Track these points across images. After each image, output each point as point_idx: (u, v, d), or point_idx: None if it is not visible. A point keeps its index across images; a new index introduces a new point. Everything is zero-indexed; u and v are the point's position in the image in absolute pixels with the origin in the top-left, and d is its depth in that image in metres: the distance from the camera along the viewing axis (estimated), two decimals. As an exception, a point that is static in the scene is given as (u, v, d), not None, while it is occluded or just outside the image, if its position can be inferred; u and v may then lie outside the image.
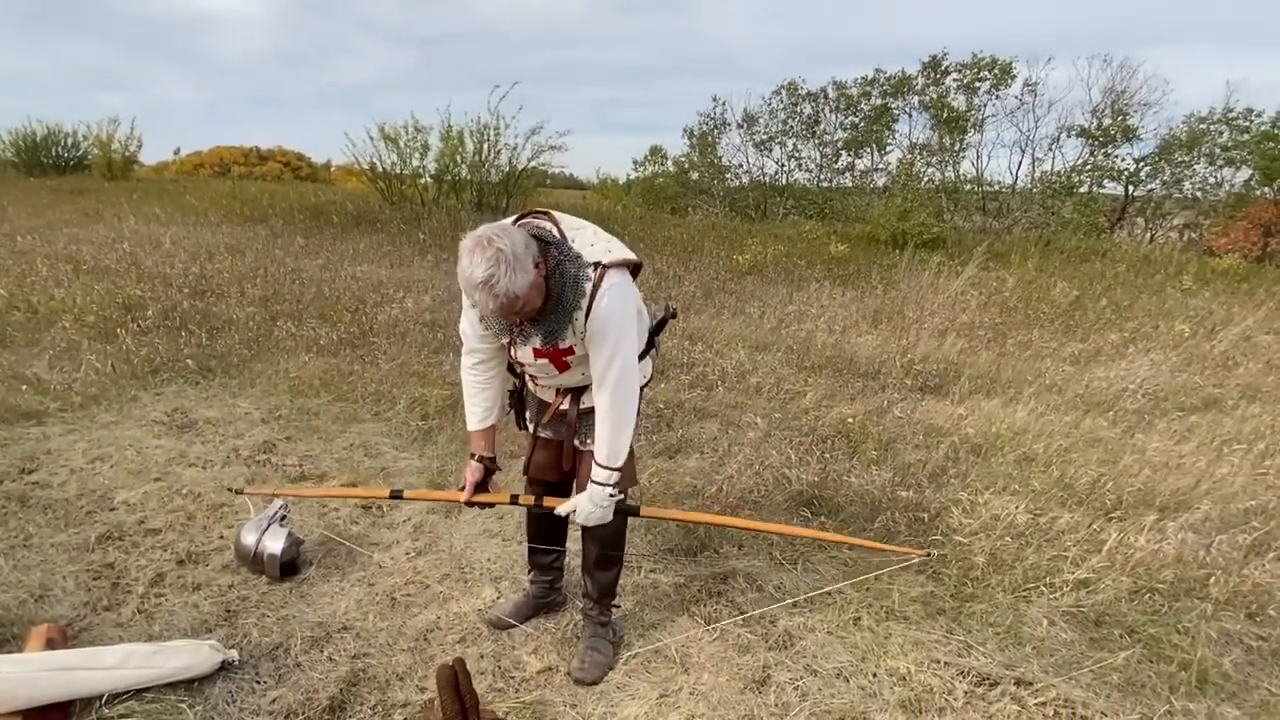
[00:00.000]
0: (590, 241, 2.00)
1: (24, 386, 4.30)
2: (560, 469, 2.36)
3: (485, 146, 12.04)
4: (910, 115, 15.01)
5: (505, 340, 2.15)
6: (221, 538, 2.99)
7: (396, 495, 2.46)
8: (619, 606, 2.57)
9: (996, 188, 14.33)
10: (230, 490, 3.04)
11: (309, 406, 4.36)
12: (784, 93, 15.63)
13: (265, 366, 4.92)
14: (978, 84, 14.05)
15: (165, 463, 3.59)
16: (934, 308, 7.04)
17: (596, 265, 1.95)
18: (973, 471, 3.80)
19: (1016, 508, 3.29)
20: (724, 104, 16.38)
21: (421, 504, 3.32)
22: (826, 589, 2.75)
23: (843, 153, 15.52)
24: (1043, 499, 3.46)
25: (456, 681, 1.57)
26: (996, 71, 13.87)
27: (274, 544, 2.73)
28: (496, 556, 2.95)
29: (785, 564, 2.98)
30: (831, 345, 5.98)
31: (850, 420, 4.41)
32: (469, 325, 2.19)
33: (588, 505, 2.15)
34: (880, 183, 15.11)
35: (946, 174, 14.70)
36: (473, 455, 2.30)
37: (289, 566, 2.77)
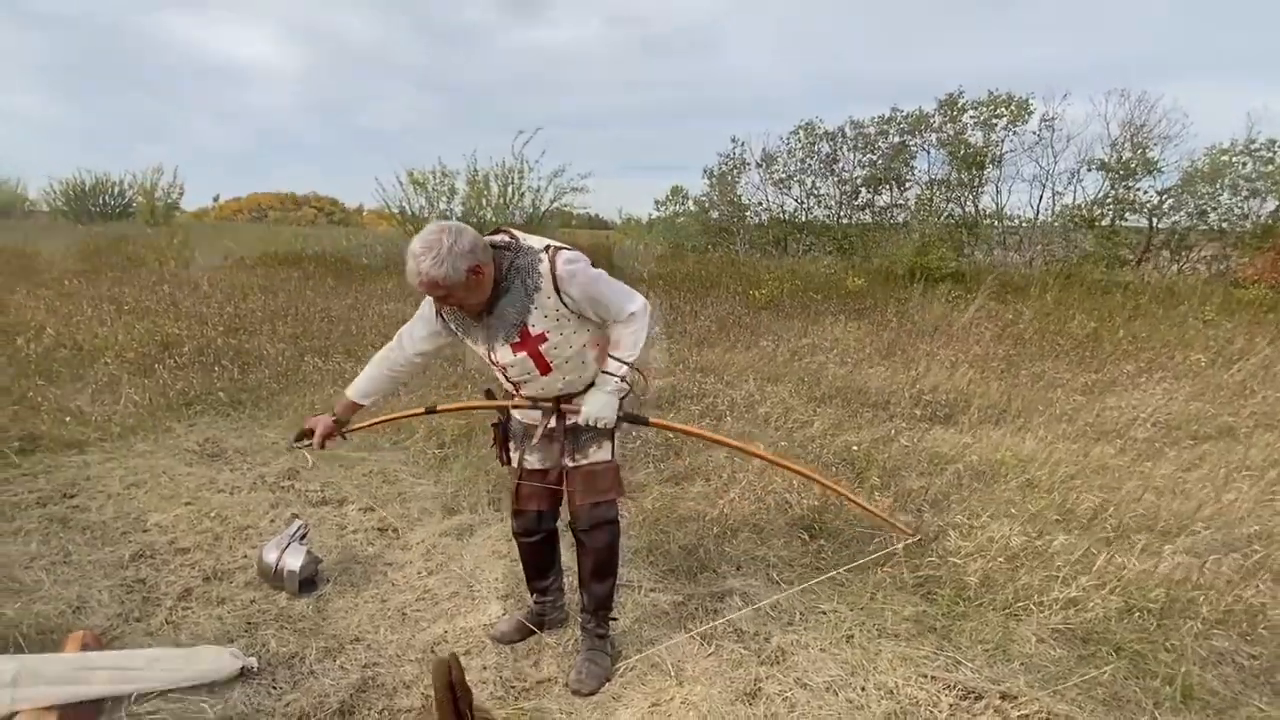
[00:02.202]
0: (543, 243, 2.15)
1: (68, 418, 4.58)
2: (549, 496, 2.49)
3: (510, 189, 12.50)
4: (928, 152, 15.23)
5: (481, 346, 2.22)
6: (245, 556, 3.18)
7: (430, 410, 2.55)
8: (616, 619, 2.68)
9: (1017, 222, 14.40)
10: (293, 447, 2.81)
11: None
12: (801, 132, 15.97)
13: (293, 399, 5.17)
14: (995, 120, 14.25)
15: (196, 488, 3.82)
16: (947, 339, 7.13)
17: (547, 248, 2.11)
18: (974, 497, 3.86)
19: (1012, 530, 3.36)
20: (743, 144, 16.77)
21: (435, 528, 3.49)
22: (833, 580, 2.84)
23: (862, 189, 15.75)
24: (1041, 523, 3.52)
25: (450, 675, 1.71)
26: (1013, 108, 14.05)
27: (294, 561, 2.91)
28: (504, 576, 3.09)
29: (782, 584, 3.07)
30: (842, 377, 6.08)
31: (855, 448, 4.50)
32: (420, 327, 2.31)
33: (599, 397, 2.20)
34: (900, 218, 15.27)
35: (966, 209, 14.82)
36: (333, 413, 2.47)
37: (307, 583, 2.95)
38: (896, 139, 15.24)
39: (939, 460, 4.39)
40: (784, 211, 16.63)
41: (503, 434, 2.49)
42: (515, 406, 2.36)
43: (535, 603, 2.75)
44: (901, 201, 15.54)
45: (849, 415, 5.24)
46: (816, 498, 3.83)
